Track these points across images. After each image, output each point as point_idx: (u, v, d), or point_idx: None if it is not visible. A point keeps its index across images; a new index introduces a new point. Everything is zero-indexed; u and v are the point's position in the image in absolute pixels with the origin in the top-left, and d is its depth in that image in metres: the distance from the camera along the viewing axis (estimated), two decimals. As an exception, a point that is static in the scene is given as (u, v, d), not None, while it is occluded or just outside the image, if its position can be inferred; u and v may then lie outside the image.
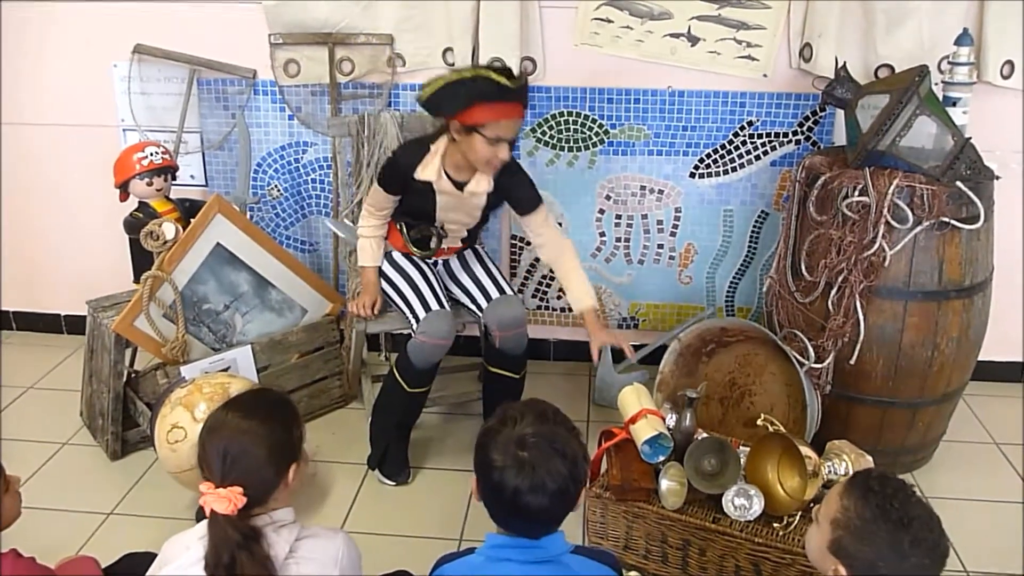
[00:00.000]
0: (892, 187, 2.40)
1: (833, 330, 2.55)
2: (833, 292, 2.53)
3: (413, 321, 2.54)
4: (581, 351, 3.31)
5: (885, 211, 2.41)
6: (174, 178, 2.93)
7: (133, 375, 2.95)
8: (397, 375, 2.57)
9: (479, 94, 2.23)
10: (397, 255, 2.71)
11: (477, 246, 2.78)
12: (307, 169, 3.27)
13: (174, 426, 2.35)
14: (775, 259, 2.77)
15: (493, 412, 2.71)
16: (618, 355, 3.15)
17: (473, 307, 2.67)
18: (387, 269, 2.69)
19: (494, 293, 2.61)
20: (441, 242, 2.62)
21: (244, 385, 2.45)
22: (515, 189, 2.51)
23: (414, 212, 2.58)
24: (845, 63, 2.61)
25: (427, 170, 2.44)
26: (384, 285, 2.68)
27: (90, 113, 3.29)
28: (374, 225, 2.61)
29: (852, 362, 2.55)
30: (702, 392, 2.33)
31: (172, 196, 2.94)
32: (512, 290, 2.65)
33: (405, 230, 2.63)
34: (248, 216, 3.07)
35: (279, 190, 3.30)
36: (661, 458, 2.22)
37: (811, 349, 2.57)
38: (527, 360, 2.70)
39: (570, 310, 3.33)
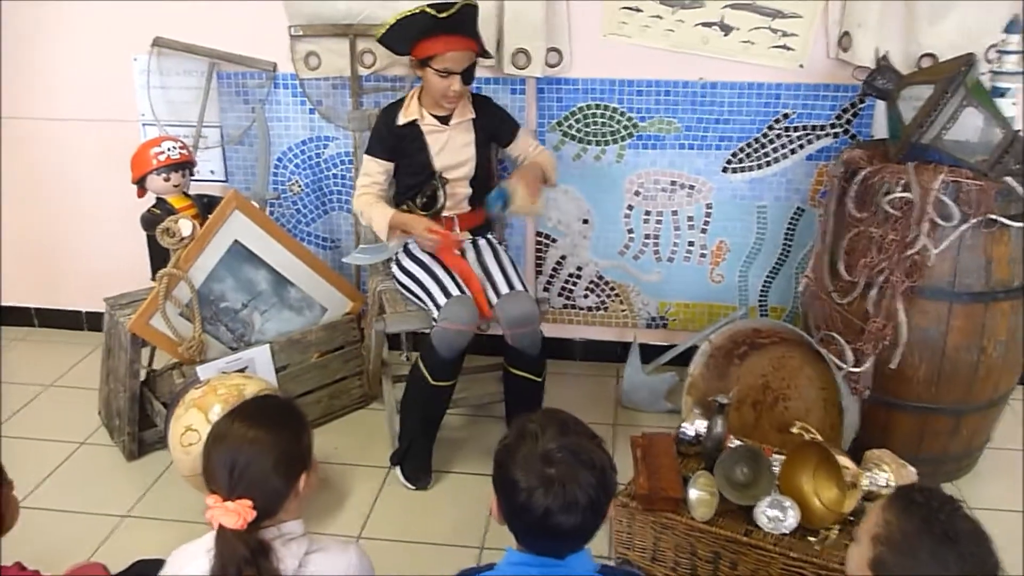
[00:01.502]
0: (937, 182, 2.27)
1: (873, 333, 2.43)
2: (873, 293, 2.42)
3: (435, 310, 2.47)
4: (608, 351, 3.24)
5: (929, 208, 2.29)
6: (192, 174, 2.86)
7: (151, 374, 2.90)
8: (422, 367, 2.50)
9: (421, 29, 2.37)
10: (414, 247, 2.64)
11: (495, 241, 2.70)
12: (328, 164, 3.20)
13: (188, 428, 2.29)
14: (811, 258, 2.65)
15: (514, 417, 2.69)
16: (647, 356, 3.05)
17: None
18: (405, 262, 2.62)
19: (504, 288, 2.53)
20: (446, 193, 2.57)
21: (260, 387, 2.39)
22: (494, 117, 2.63)
23: (413, 169, 2.58)
24: (887, 53, 2.49)
25: (408, 111, 2.55)
26: (403, 278, 2.61)
27: (110, 108, 3.24)
28: (371, 194, 2.60)
29: (893, 366, 2.43)
30: (733, 398, 2.23)
31: (191, 192, 2.88)
32: (524, 285, 2.56)
33: (412, 205, 2.62)
34: (268, 212, 3.01)
35: (300, 186, 3.24)
36: (499, 204, 2.45)
37: (849, 352, 2.45)
38: (545, 361, 2.61)
39: (597, 309, 3.24)
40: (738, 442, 2.29)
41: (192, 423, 2.30)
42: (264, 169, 3.00)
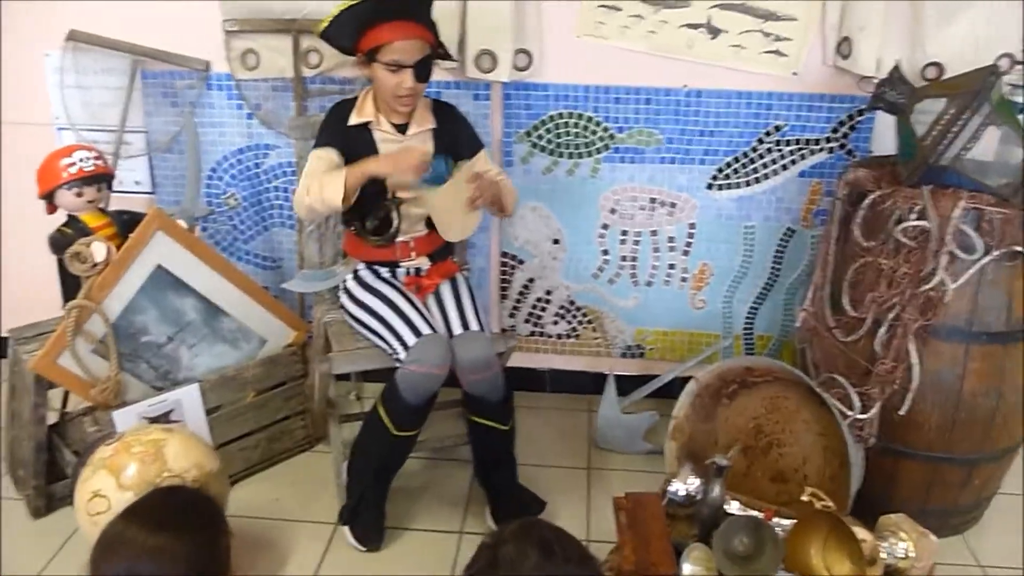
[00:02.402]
0: (958, 210, 2.02)
1: (881, 375, 2.18)
2: (882, 331, 2.16)
3: (400, 349, 2.14)
4: (580, 382, 2.96)
5: (948, 238, 2.03)
6: (110, 187, 2.50)
7: (63, 417, 2.54)
8: (383, 414, 2.18)
9: (366, 18, 2.08)
10: (367, 275, 2.32)
11: (457, 274, 2.37)
12: (269, 175, 2.86)
13: (95, 494, 1.95)
14: (810, 289, 2.38)
15: (483, 466, 2.40)
16: (622, 388, 2.77)
17: None
18: (357, 292, 2.29)
19: (457, 328, 2.22)
20: (400, 215, 2.22)
21: (183, 444, 2.05)
22: (456, 129, 2.31)
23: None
24: (898, 62, 2.23)
25: (362, 111, 2.24)
26: (356, 310, 2.28)
27: (19, 109, 2.86)
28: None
29: (902, 412, 2.18)
30: (734, 457, 1.95)
31: (111, 207, 2.53)
32: (480, 324, 2.25)
33: (361, 228, 2.29)
34: (199, 230, 2.66)
35: (236, 199, 2.89)
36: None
37: (856, 398, 2.19)
38: (512, 406, 2.30)
39: (567, 336, 2.95)
40: (736, 504, 2.01)
41: (101, 488, 1.95)
42: (193, 182, 2.65)
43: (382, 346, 2.20)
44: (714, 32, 2.56)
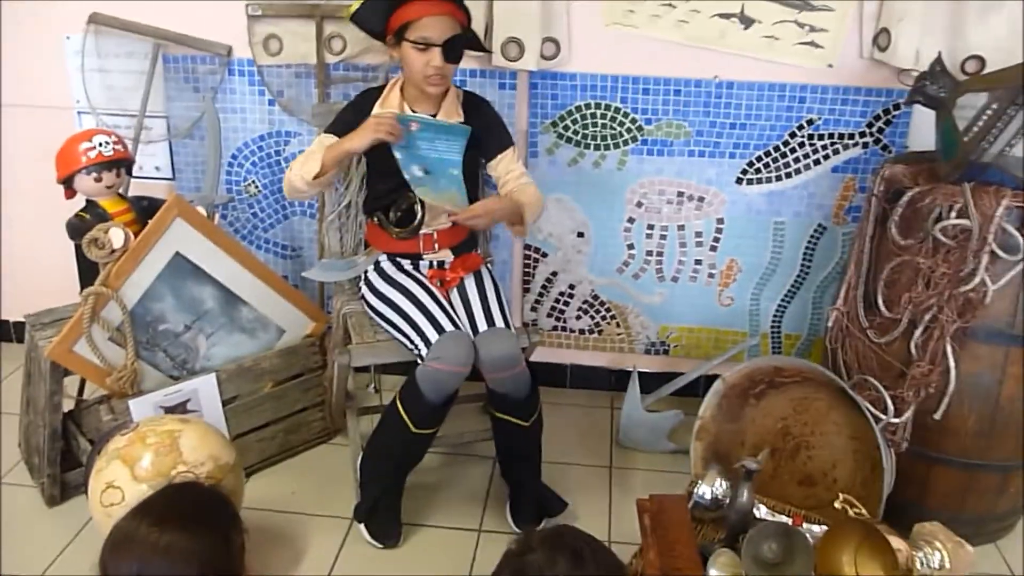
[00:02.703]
0: (1000, 208, 1.95)
1: (916, 378, 2.11)
2: (918, 333, 2.09)
3: (422, 345, 2.09)
4: (602, 379, 2.91)
5: (990, 237, 1.95)
6: (129, 172, 2.47)
7: (79, 404, 2.51)
8: (401, 410, 2.13)
9: None
10: (389, 267, 2.27)
11: (481, 267, 2.31)
12: (290, 163, 2.80)
13: (109, 485, 1.91)
14: (843, 288, 2.31)
15: (507, 462, 2.35)
16: (645, 385, 2.71)
17: None
18: (378, 283, 2.24)
19: (482, 325, 2.16)
20: (424, 207, 2.19)
21: (199, 436, 2.01)
22: (484, 122, 2.21)
23: (384, 171, 2.17)
24: (940, 54, 2.15)
25: (386, 101, 2.18)
26: (377, 303, 2.23)
27: (41, 93, 2.84)
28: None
29: (937, 417, 2.11)
30: (763, 461, 1.89)
31: (129, 193, 2.50)
32: (506, 320, 2.19)
33: (384, 219, 2.24)
34: (218, 218, 2.62)
35: (257, 187, 2.85)
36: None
37: (889, 401, 2.12)
38: (538, 403, 2.25)
39: (590, 331, 2.89)
40: (763, 508, 1.95)
41: (115, 479, 1.92)
42: (214, 169, 2.61)
43: (403, 341, 2.15)
44: (747, 22, 2.49)
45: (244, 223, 2.89)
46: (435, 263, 2.28)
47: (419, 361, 2.08)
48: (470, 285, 2.25)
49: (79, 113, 2.83)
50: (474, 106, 2.22)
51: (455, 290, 2.25)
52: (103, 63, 2.76)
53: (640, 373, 2.75)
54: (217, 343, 2.46)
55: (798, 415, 2.33)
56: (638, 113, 2.62)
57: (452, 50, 2.06)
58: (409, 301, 2.14)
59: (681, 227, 2.74)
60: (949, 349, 2.06)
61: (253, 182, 2.84)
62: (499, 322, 2.16)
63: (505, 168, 2.21)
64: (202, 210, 2.47)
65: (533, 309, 2.90)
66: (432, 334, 2.06)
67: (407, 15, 2.02)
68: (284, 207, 2.87)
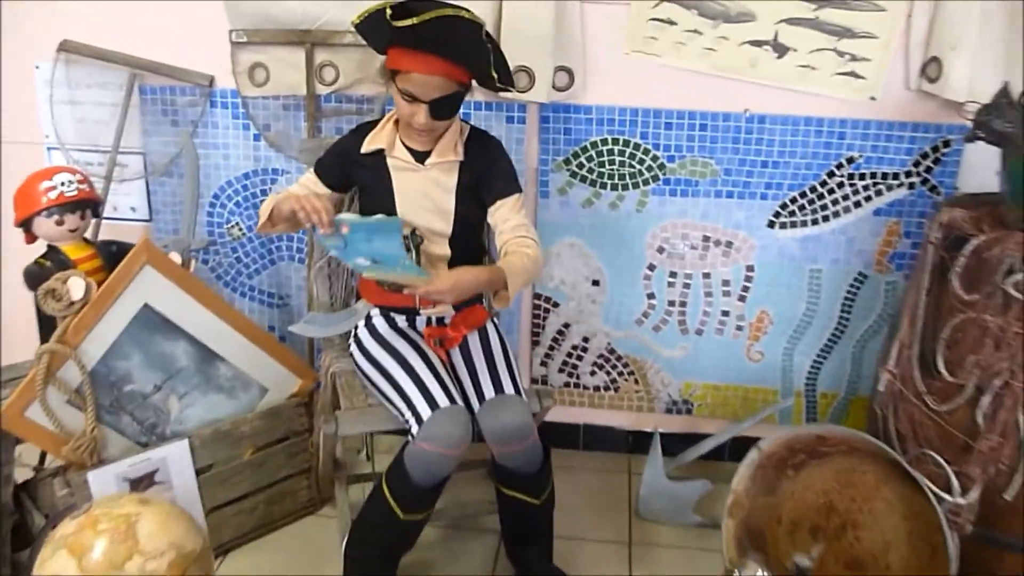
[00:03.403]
0: (1084, 261, 1.69)
1: (984, 453, 1.84)
2: (986, 400, 1.83)
3: (412, 420, 1.82)
4: (619, 440, 2.65)
5: (1072, 294, 1.70)
6: (96, 214, 2.23)
7: (36, 474, 2.25)
8: (388, 494, 1.86)
9: (393, 34, 1.74)
10: (381, 324, 2.02)
11: (486, 322, 2.06)
12: (277, 203, 2.57)
13: (53, 581, 1.64)
14: (895, 347, 2.05)
15: (513, 541, 2.07)
16: (668, 450, 2.44)
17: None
18: (368, 343, 1.98)
19: (488, 391, 1.90)
20: (419, 254, 1.92)
21: (160, 520, 1.74)
22: (489, 166, 1.94)
23: (374, 212, 1.90)
24: (1007, 84, 1.91)
25: (378, 137, 1.94)
26: (365, 365, 1.97)
27: (8, 126, 2.60)
28: None
29: (1008, 497, 1.84)
30: (816, 558, 1.62)
31: (101, 236, 2.26)
32: (516, 384, 1.93)
33: None
34: (194, 264, 2.36)
35: (241, 229, 2.60)
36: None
37: (955, 480, 1.85)
38: (548, 479, 1.98)
39: (605, 388, 2.63)
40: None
41: (62, 571, 1.65)
42: (191, 210, 2.37)
43: (393, 412, 1.89)
44: (781, 50, 2.26)
45: (227, 268, 2.64)
46: (433, 319, 2.02)
47: (408, 438, 1.82)
48: (474, 343, 1.99)
49: (49, 149, 2.59)
50: (479, 145, 1.96)
51: (457, 350, 1.99)
52: (74, 94, 2.53)
53: (661, 435, 2.49)
54: (191, 404, 2.20)
55: (843, 489, 2.06)
56: (660, 150, 2.38)
57: (441, 108, 1.80)
58: (400, 367, 1.88)
59: (707, 275, 2.49)
60: (1022, 420, 1.80)
61: (237, 224, 2.60)
62: (508, 387, 1.89)
63: (503, 217, 1.91)
64: (177, 256, 2.23)
65: (543, 364, 2.64)
66: (424, 409, 1.80)
67: (398, 63, 1.78)
68: (271, 251, 2.62)
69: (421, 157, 1.91)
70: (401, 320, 2.02)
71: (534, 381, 2.66)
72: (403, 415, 1.85)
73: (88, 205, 2.17)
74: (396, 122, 1.93)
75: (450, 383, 1.87)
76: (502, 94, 2.29)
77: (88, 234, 2.24)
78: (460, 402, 1.84)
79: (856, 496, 2.04)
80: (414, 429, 1.81)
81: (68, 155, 2.54)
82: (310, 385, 2.37)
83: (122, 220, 2.63)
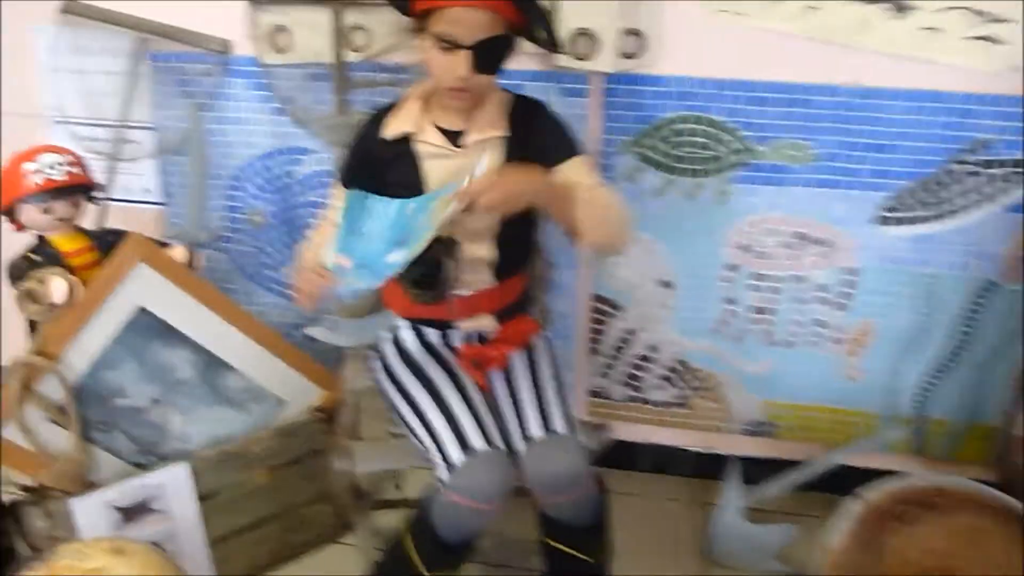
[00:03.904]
0: None
1: None
2: None
3: (441, 465, 1.51)
4: (687, 463, 2.33)
5: None
6: (93, 200, 1.95)
7: (23, 493, 2.00)
8: (411, 548, 1.56)
9: None
10: (409, 339, 1.69)
11: (535, 338, 1.71)
12: (302, 186, 2.27)
13: (5, 649, 1.38)
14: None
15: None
16: (745, 475, 2.09)
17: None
18: (396, 367, 1.66)
19: (534, 428, 1.56)
20: (456, 261, 1.55)
21: (137, 569, 1.46)
22: (540, 135, 1.56)
23: None
24: None
25: (400, 119, 1.58)
26: (391, 392, 1.65)
27: (7, 97, 2.33)
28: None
29: None
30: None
31: (109, 223, 1.99)
32: (569, 419, 1.59)
33: (404, 283, 1.57)
34: (202, 259, 2.07)
35: (262, 215, 2.31)
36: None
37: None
38: (606, 534, 1.65)
39: (674, 405, 2.27)
40: None
41: (14, 638, 1.38)
42: (198, 196, 2.07)
43: (420, 449, 1.57)
44: (901, 8, 1.85)
45: (248, 260, 2.35)
46: (471, 335, 1.68)
47: (437, 484, 1.50)
48: (520, 366, 1.65)
49: (57, 123, 2.32)
50: (525, 115, 1.57)
51: (499, 373, 1.65)
52: (80, 62, 2.25)
53: (737, 460, 2.13)
54: (195, 420, 1.93)
55: (964, 551, 1.70)
56: (747, 129, 2.00)
57: (486, 57, 1.44)
58: (430, 398, 1.56)
59: (799, 278, 2.10)
60: None
61: (258, 210, 2.30)
62: (558, 424, 1.55)
63: (572, 181, 1.50)
64: (180, 250, 1.94)
65: (603, 375, 2.30)
66: (456, 453, 1.47)
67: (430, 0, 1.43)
68: (296, 240, 2.32)
69: (456, 139, 1.56)
70: (433, 335, 1.69)
71: (592, 394, 2.32)
72: (431, 457, 1.52)
73: (81, 190, 1.90)
74: (421, 101, 1.59)
75: (488, 420, 1.54)
76: (559, 63, 1.95)
77: (91, 220, 1.97)
78: (500, 443, 1.51)
79: (978, 558, 1.69)
80: (443, 475, 1.49)
81: (70, 130, 2.26)
82: (336, 397, 2.07)
83: (135, 203, 2.36)
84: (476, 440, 1.48)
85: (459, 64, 1.42)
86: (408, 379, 1.60)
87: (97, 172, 2.09)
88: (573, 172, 1.53)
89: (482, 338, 1.67)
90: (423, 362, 1.61)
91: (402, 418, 1.61)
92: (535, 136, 1.57)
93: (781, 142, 2.00)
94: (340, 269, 1.42)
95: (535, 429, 1.54)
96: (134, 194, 2.35)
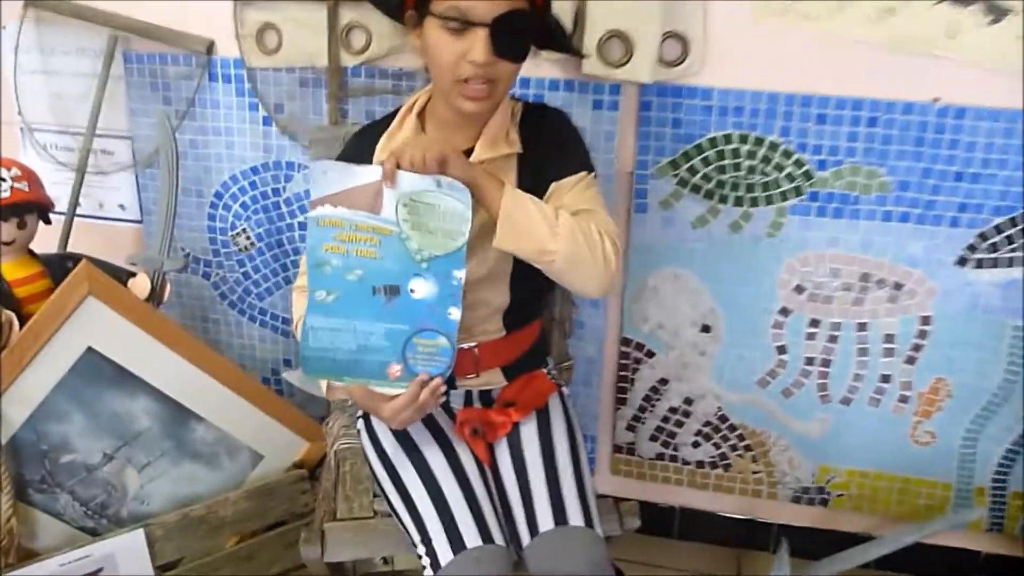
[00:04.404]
0: None
1: None
2: None
3: (426, 560, 1.23)
4: (725, 531, 2.03)
5: None
6: (45, 219, 1.70)
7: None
8: None
9: None
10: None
11: (551, 398, 1.41)
12: (293, 206, 2.00)
13: None
14: None
15: None
16: (797, 551, 1.78)
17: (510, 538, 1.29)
18: (381, 432, 1.36)
19: (544, 518, 1.26)
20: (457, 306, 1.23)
21: None
22: (552, 147, 1.29)
23: None
24: None
25: (396, 137, 1.31)
26: (375, 464, 1.36)
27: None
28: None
29: None
30: None
31: (71, 245, 1.75)
32: (587, 509, 1.28)
33: None
34: (168, 289, 1.81)
35: (249, 238, 2.04)
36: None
37: None
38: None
39: (712, 465, 1.98)
40: None
41: None
42: (165, 216, 1.80)
43: (406, 536, 1.29)
44: (995, 12, 1.55)
45: (233, 286, 2.09)
46: (474, 394, 1.39)
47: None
48: (529, 435, 1.36)
49: (28, 130, 2.08)
50: (537, 125, 1.31)
51: (504, 442, 1.36)
52: (47, 62, 2.01)
53: (783, 529, 1.84)
54: (156, 477, 1.67)
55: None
56: (807, 152, 1.70)
57: (507, 37, 1.16)
58: (417, 474, 1.27)
59: (862, 326, 1.80)
60: None
61: (244, 231, 2.04)
62: (573, 514, 1.26)
63: (556, 203, 1.23)
64: (144, 279, 1.68)
65: (630, 428, 2.01)
66: (443, 548, 1.19)
67: None
68: (285, 267, 2.06)
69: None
70: (426, 395, 1.40)
71: (617, 450, 2.03)
72: (416, 547, 1.24)
73: (30, 209, 1.64)
74: (419, 113, 1.32)
75: (487, 505, 1.26)
76: (586, 71, 1.67)
77: (48, 243, 1.71)
78: (499, 536, 1.22)
79: None
80: (426, 566, 1.21)
81: (36, 138, 2.02)
82: (320, 451, 1.80)
83: (109, 220, 2.12)
84: (470, 535, 1.20)
85: (475, 46, 1.15)
86: (394, 450, 1.32)
87: (60, 186, 1.86)
88: (567, 191, 1.25)
89: (486, 399, 1.38)
90: (413, 429, 1.33)
91: (384, 495, 1.33)
92: (548, 149, 1.29)
93: (846, 167, 1.70)
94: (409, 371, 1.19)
95: (545, 519, 1.25)
96: (109, 210, 2.11)
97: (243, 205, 2.02)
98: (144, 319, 1.57)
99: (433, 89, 1.31)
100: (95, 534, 1.62)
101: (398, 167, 1.10)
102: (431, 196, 1.12)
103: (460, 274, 1.15)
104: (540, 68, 1.73)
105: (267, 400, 1.73)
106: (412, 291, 1.15)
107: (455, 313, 1.16)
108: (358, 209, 1.12)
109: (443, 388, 1.19)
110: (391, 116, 1.35)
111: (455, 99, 1.21)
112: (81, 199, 2.01)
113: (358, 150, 1.32)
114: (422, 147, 1.10)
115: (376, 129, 1.34)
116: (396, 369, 1.16)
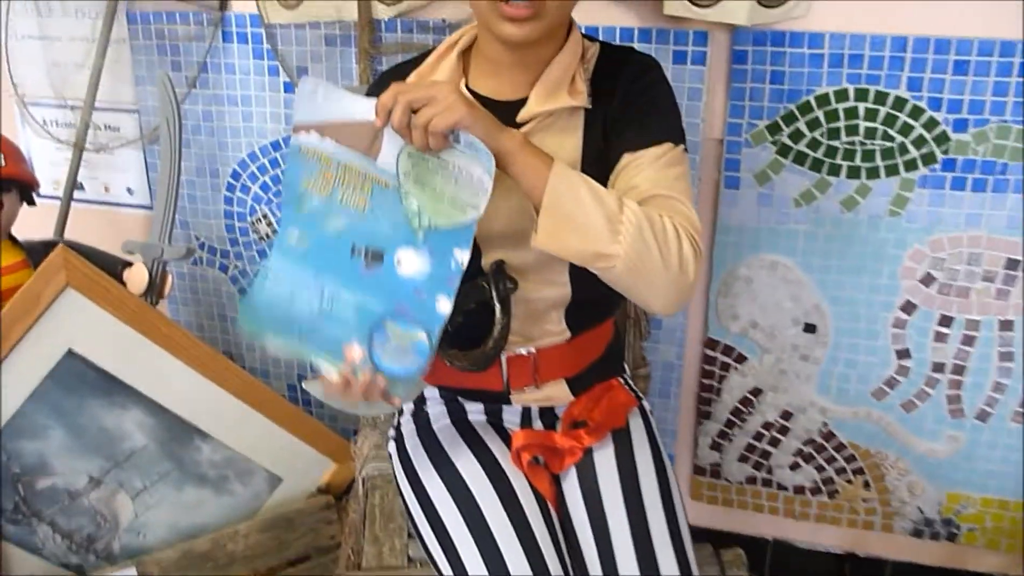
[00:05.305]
0: None
1: None
2: None
3: None
4: (827, 567, 1.74)
5: None
6: (30, 201, 1.45)
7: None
8: None
9: None
10: (439, 418, 1.13)
11: (630, 415, 1.11)
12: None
13: None
14: None
15: None
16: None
17: None
18: (417, 456, 1.09)
19: (628, 567, 0.97)
20: (509, 302, 0.99)
21: None
22: (630, 104, 1.00)
23: None
24: None
25: (430, 77, 1.05)
26: (407, 494, 1.09)
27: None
28: None
29: None
30: None
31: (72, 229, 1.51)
32: (679, 555, 0.99)
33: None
34: (170, 281, 1.55)
35: (271, 223, 1.78)
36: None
37: None
38: None
39: (815, 491, 1.66)
40: None
41: None
42: (166, 196, 1.54)
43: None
44: None
45: (252, 279, 1.82)
46: (534, 411, 1.09)
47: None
48: (604, 460, 1.06)
49: (25, 104, 1.85)
50: (614, 77, 1.01)
51: (573, 473, 1.06)
52: (44, 26, 1.77)
53: (899, 568, 1.52)
54: (155, 505, 1.40)
55: None
56: (941, 110, 1.38)
57: None
58: (460, 512, 0.99)
59: (1006, 324, 1.48)
60: None
61: (264, 216, 1.77)
62: (666, 561, 0.97)
63: (626, 182, 0.96)
64: (141, 270, 1.42)
65: (715, 447, 1.70)
66: None
67: None
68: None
69: (509, 111, 0.99)
70: (475, 412, 1.11)
71: (699, 472, 1.72)
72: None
73: (6, 186, 1.40)
74: (460, 55, 1.03)
75: (551, 553, 0.97)
76: (668, 12, 1.37)
77: (41, 228, 1.47)
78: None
79: None
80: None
81: (30, 114, 1.78)
82: (349, 474, 1.52)
83: (116, 205, 1.87)
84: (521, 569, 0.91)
85: None
86: (432, 480, 1.03)
87: (61, 167, 1.62)
88: (644, 166, 0.96)
89: (549, 418, 1.09)
90: (456, 454, 1.04)
91: (419, 535, 1.04)
92: (625, 103, 1.01)
93: (992, 128, 1.38)
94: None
95: (628, 568, 0.95)
96: (116, 194, 1.87)
97: (263, 187, 1.75)
98: (136, 316, 1.31)
99: (478, 22, 1.02)
100: (81, 572, 1.37)
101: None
102: (444, 151, 0.85)
103: (463, 256, 0.88)
104: (610, 13, 1.43)
105: (287, 414, 1.46)
106: (398, 262, 0.91)
107: (444, 305, 0.89)
108: (350, 148, 0.86)
109: (397, 403, 0.91)
110: (427, 54, 1.06)
111: (495, 23, 0.93)
112: (85, 181, 1.79)
113: (380, 93, 1.04)
114: (426, 98, 0.84)
115: (405, 69, 1.06)
116: (357, 352, 0.89)
